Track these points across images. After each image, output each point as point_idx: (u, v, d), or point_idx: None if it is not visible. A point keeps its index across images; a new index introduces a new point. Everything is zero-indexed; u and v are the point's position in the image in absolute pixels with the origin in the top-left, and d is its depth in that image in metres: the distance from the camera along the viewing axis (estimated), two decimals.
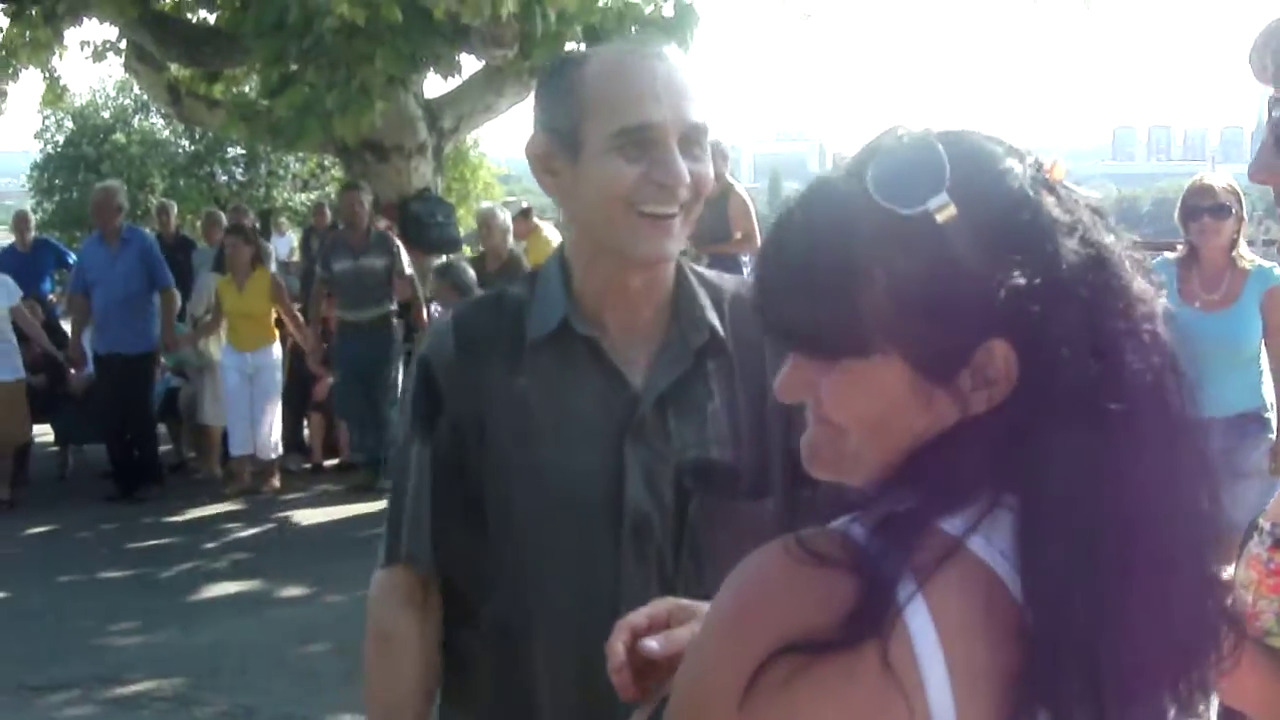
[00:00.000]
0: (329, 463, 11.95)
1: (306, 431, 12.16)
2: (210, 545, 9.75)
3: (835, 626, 1.14)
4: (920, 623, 1.15)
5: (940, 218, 1.19)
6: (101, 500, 11.09)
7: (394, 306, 10.93)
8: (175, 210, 15.16)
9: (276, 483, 11.20)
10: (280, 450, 11.31)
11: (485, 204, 10.85)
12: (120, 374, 10.93)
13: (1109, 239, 1.25)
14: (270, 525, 10.23)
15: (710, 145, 2.16)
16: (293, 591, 8.66)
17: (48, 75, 15.55)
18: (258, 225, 14.95)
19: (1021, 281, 1.18)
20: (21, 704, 6.91)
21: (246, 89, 16.69)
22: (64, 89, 17.06)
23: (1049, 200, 1.23)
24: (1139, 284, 1.25)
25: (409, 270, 10.93)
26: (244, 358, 10.96)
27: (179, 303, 11.55)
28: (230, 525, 10.31)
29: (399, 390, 10.81)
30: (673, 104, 2.04)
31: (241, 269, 10.96)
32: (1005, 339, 1.19)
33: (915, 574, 1.16)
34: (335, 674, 6.78)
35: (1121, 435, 1.19)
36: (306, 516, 10.49)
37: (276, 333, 11.13)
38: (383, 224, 11.79)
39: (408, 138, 12.77)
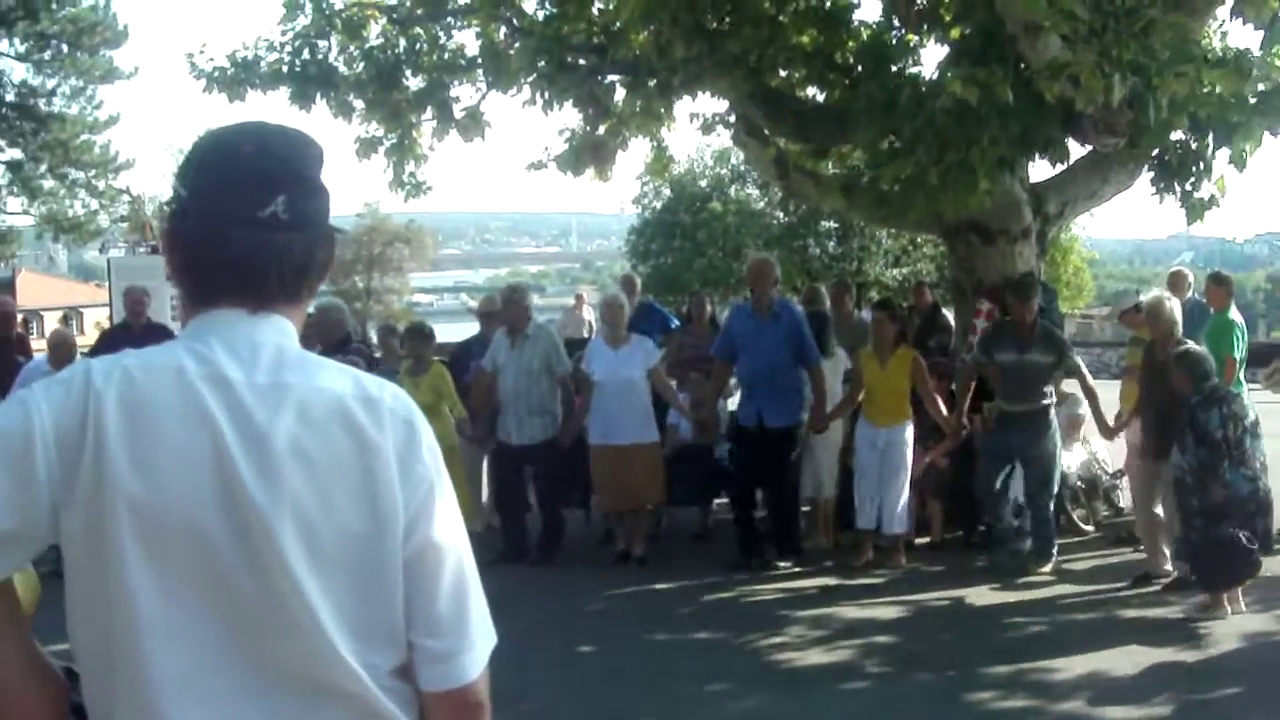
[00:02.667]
0: (919, 541, 11.82)
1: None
2: (802, 614, 9.85)
3: None
4: None
5: None
6: (692, 561, 11.43)
7: (1052, 400, 10.94)
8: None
9: (903, 560, 11.16)
10: (907, 526, 11.33)
11: (1155, 292, 10.69)
12: (762, 445, 11.03)
13: None
14: (861, 600, 10.21)
15: None
16: (879, 668, 8.63)
17: (655, 145, 16.25)
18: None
19: None
20: None
21: (850, 165, 16.94)
22: (669, 158, 17.83)
23: None
24: None
25: (1084, 367, 11.05)
26: (878, 433, 11.05)
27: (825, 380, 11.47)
28: (824, 598, 10.36)
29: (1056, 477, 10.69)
30: None
31: (885, 345, 11.09)
32: None
33: None
34: None
35: None
36: (889, 598, 10.44)
37: (911, 411, 11.13)
38: (985, 307, 11.69)
39: (1013, 221, 12.61)
